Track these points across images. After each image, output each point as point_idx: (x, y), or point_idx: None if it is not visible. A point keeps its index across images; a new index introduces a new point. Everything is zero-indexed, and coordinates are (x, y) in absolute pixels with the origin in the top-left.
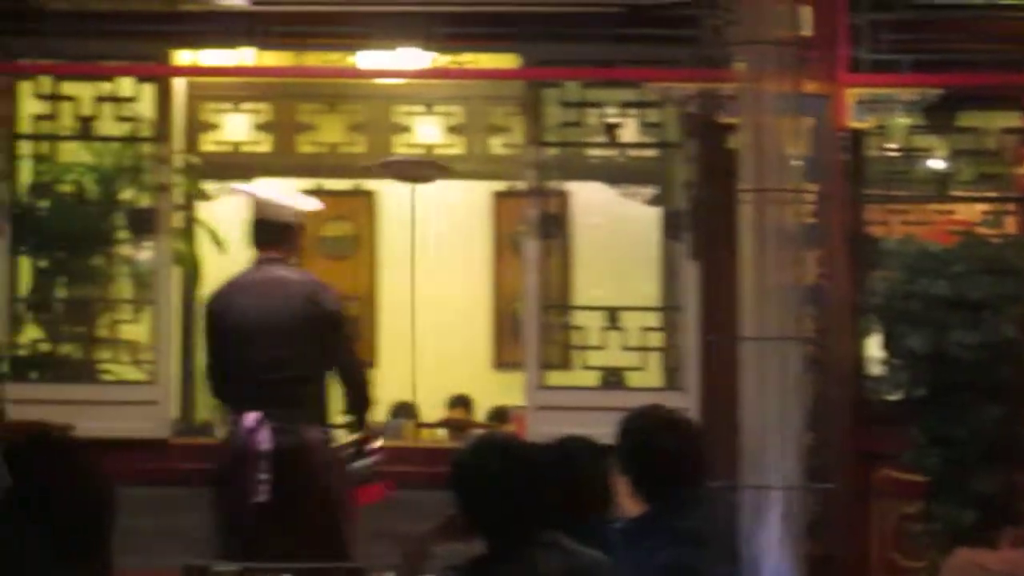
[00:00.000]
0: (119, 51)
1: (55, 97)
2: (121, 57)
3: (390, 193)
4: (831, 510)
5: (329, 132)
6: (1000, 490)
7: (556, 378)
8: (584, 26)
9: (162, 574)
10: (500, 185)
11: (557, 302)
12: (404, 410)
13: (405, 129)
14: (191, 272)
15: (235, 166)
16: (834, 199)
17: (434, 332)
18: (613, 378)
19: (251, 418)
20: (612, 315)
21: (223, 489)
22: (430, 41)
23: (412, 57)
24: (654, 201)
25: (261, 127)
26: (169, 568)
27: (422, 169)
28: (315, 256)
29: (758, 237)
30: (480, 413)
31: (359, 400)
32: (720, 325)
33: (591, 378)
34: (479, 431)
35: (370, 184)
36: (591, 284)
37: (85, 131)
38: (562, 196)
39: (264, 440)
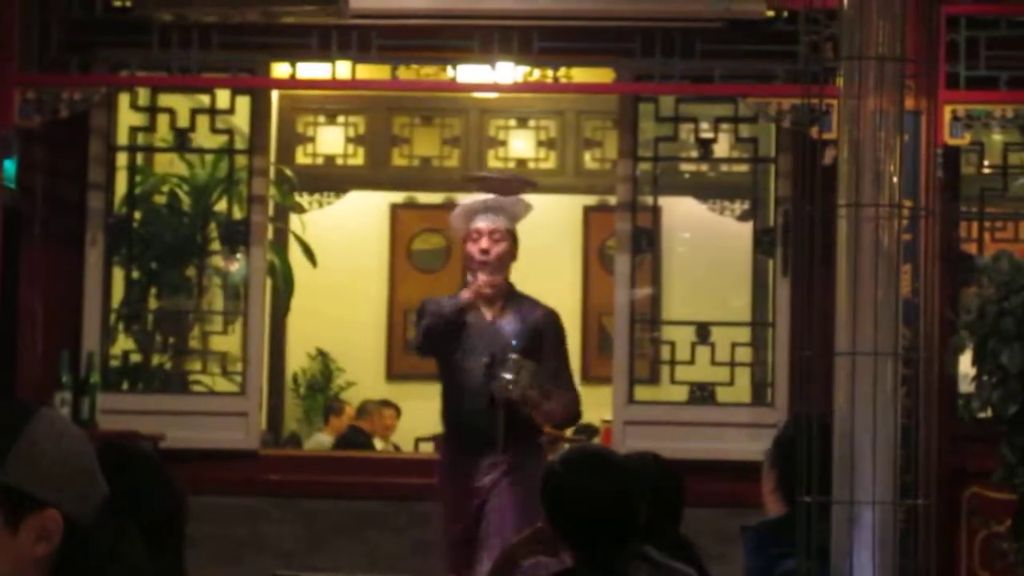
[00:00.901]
0: (217, 63)
1: (152, 109)
2: (219, 69)
3: None
4: (921, 527)
5: (423, 145)
6: None
7: (645, 393)
8: (679, 41)
9: None
10: (591, 199)
11: (647, 317)
12: None
13: (499, 143)
14: (283, 284)
15: (328, 178)
16: (929, 215)
17: None
18: (702, 393)
19: None
20: (702, 330)
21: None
22: (525, 55)
23: (507, 71)
24: (746, 216)
25: (355, 140)
26: None
27: (511, 185)
28: (406, 269)
29: (854, 252)
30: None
31: None
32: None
33: (680, 393)
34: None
35: (463, 197)
36: (682, 299)
37: (181, 143)
38: (654, 211)
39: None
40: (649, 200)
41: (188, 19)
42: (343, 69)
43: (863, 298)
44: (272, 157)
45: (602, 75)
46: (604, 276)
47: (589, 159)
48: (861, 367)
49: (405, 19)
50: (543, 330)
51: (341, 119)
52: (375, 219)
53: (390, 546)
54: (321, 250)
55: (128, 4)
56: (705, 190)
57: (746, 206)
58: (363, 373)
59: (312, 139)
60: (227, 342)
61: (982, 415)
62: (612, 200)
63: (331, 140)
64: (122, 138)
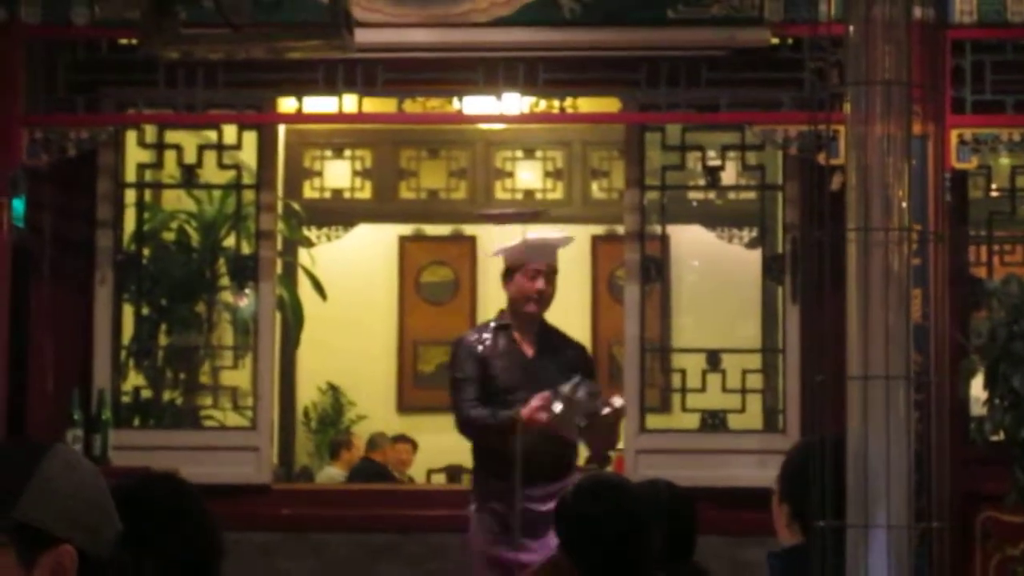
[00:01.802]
0: (223, 99)
1: (159, 146)
2: (225, 105)
3: (490, 238)
4: (935, 550)
5: (430, 178)
6: None
7: (656, 421)
8: (685, 70)
9: None
10: (599, 229)
11: (657, 345)
12: None
13: (506, 174)
14: (292, 318)
15: (337, 212)
16: (938, 239)
17: None
18: (713, 420)
19: None
20: (712, 357)
21: None
22: (531, 86)
23: (512, 102)
24: (754, 243)
25: (362, 173)
26: None
27: (522, 219)
28: (415, 301)
29: (864, 277)
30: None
31: None
32: (821, 367)
33: (691, 421)
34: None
35: (471, 229)
36: (692, 326)
37: (188, 179)
38: (662, 239)
39: None
40: (657, 229)
41: (194, 56)
42: (349, 103)
43: (874, 322)
44: (280, 192)
45: (608, 105)
46: (613, 305)
47: (596, 189)
48: (873, 391)
49: (410, 52)
50: (580, 367)
51: (348, 153)
52: (383, 252)
53: None
54: (330, 284)
55: (134, 43)
56: (713, 218)
57: (754, 233)
58: (374, 406)
59: (319, 173)
60: (238, 377)
61: (995, 438)
62: (620, 230)
63: (338, 174)
64: (130, 175)
